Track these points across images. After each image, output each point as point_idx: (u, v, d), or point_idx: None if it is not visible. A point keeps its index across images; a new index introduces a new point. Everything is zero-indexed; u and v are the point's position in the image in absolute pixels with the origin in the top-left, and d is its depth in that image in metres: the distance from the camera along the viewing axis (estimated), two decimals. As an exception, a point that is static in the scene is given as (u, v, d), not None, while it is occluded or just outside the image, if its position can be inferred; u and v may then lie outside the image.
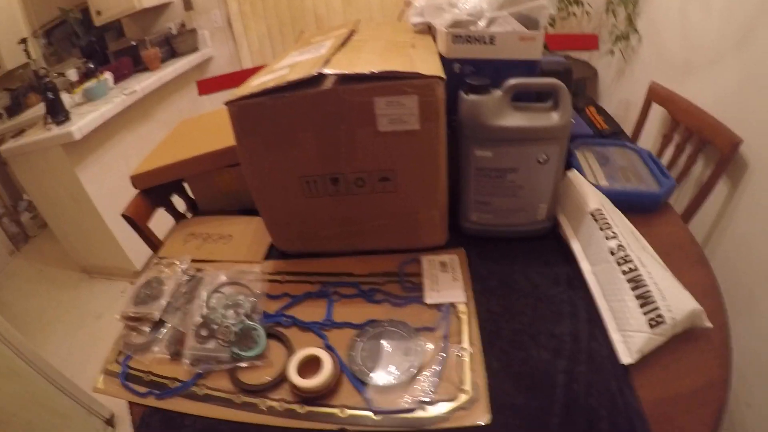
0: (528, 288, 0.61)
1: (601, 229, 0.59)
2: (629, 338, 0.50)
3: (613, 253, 0.56)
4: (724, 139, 0.96)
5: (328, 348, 0.55)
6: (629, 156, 0.82)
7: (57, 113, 1.63)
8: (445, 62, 0.61)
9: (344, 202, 0.62)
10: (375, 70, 0.50)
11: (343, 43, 0.67)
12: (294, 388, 0.51)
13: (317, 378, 0.50)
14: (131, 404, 0.56)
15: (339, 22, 2.39)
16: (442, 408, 0.48)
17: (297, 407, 0.51)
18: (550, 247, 0.67)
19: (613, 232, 0.58)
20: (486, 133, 0.58)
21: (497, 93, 0.57)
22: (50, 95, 1.58)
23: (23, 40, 1.96)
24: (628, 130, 1.27)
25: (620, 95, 1.69)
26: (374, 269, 0.66)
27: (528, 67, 0.62)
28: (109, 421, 1.45)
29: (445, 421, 0.47)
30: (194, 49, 2.41)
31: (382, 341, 0.55)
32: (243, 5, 2.34)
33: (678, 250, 0.65)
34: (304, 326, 0.60)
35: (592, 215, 0.61)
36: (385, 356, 0.53)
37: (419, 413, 0.48)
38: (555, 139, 0.58)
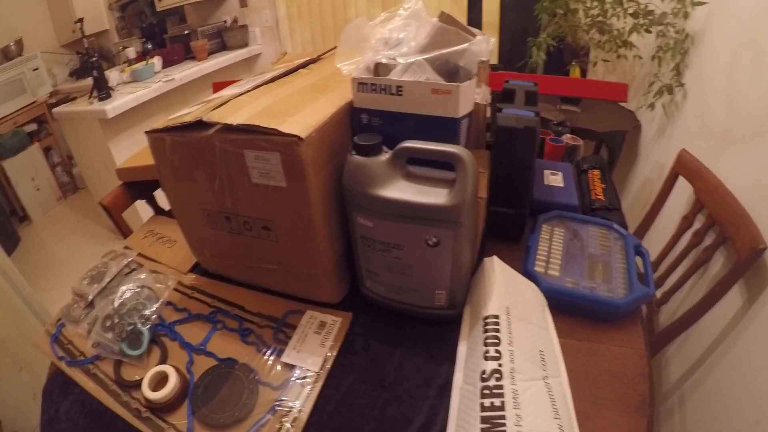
0: (394, 379, 0.56)
1: (485, 344, 0.49)
2: None
3: (483, 378, 0.46)
4: (745, 240, 0.77)
5: (187, 371, 0.61)
6: (610, 243, 0.68)
7: (100, 89, 1.83)
8: (355, 113, 0.58)
9: (239, 240, 0.64)
10: (242, 123, 0.51)
11: (275, 78, 0.69)
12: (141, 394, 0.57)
13: (160, 393, 0.55)
14: (51, 362, 0.67)
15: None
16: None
17: (143, 410, 0.57)
18: (446, 339, 0.59)
19: (497, 352, 0.47)
20: (366, 202, 0.53)
21: (383, 156, 0.52)
22: (95, 73, 1.77)
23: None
24: (650, 201, 1.13)
25: (656, 157, 1.46)
26: (263, 309, 0.69)
27: (445, 126, 0.54)
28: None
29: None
30: (244, 44, 2.58)
31: (227, 381, 0.59)
32: (290, 8, 2.46)
33: (618, 383, 0.52)
34: (182, 343, 0.66)
35: (485, 321, 0.52)
36: (222, 396, 0.57)
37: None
38: (447, 222, 0.51)
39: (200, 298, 0.73)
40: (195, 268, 0.80)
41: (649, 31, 1.40)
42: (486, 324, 0.51)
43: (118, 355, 0.65)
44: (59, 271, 2.16)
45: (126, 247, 0.88)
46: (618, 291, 0.60)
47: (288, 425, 0.52)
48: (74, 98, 2.10)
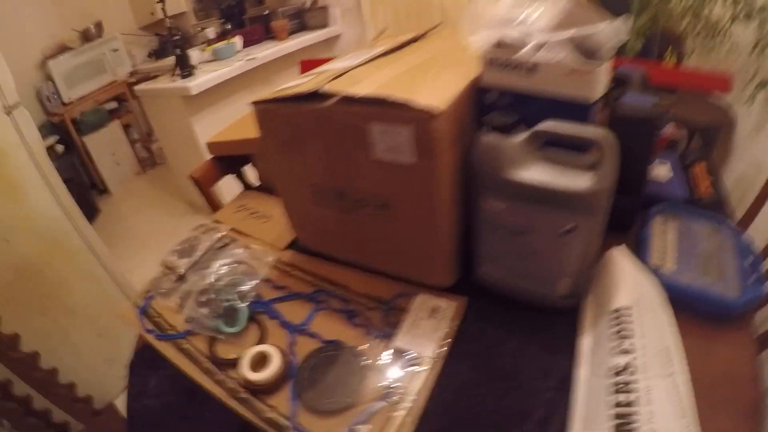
0: (511, 369, 0.53)
1: (618, 337, 0.47)
2: None
3: (616, 373, 0.44)
4: None
5: (290, 352, 0.58)
6: (721, 240, 0.63)
7: (183, 67, 1.86)
8: (481, 91, 0.54)
9: (349, 218, 0.62)
10: (370, 94, 0.48)
11: (385, 53, 0.67)
12: (239, 375, 0.56)
13: (261, 374, 0.53)
14: (140, 334, 0.67)
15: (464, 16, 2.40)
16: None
17: (240, 390, 0.55)
18: (563, 330, 0.55)
19: (631, 345, 0.45)
20: (499, 184, 0.50)
21: (522, 136, 0.48)
22: (178, 51, 1.80)
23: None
24: (746, 202, 1.03)
25: (754, 155, 1.37)
26: (370, 291, 0.66)
27: (578, 109, 0.50)
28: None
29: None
30: (323, 25, 2.58)
31: (335, 364, 0.56)
32: None
33: (727, 387, 0.48)
34: (282, 323, 0.63)
35: (616, 313, 0.48)
36: (329, 380, 0.54)
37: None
38: (584, 209, 0.47)
39: (300, 276, 0.71)
40: (292, 245, 0.78)
41: (749, 17, 1.28)
42: (618, 316, 0.48)
43: (212, 332, 0.63)
44: (136, 243, 2.26)
45: (216, 221, 0.88)
46: (732, 290, 0.55)
47: (402, 413, 0.49)
48: (155, 76, 2.17)
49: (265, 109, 0.59)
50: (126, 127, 2.86)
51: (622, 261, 0.55)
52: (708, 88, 1.45)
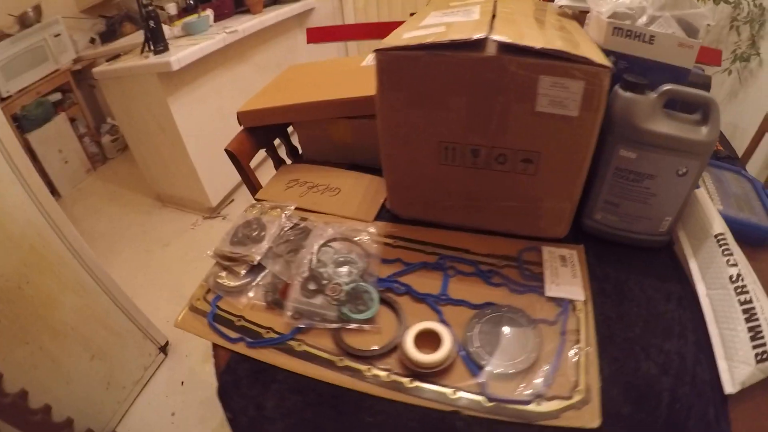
0: (641, 299, 0.61)
1: (723, 255, 0.58)
2: (735, 368, 0.50)
3: (732, 281, 0.56)
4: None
5: (444, 323, 0.55)
6: (743, 184, 0.79)
7: (157, 42, 1.69)
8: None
9: (478, 175, 0.63)
10: (545, 47, 0.51)
11: (493, 13, 0.66)
12: (407, 361, 0.51)
13: (437, 354, 0.50)
14: (216, 347, 0.56)
15: None
16: (554, 405, 0.48)
17: (405, 380, 0.50)
18: (663, 263, 0.66)
19: (735, 260, 0.57)
20: (635, 135, 0.58)
21: (652, 95, 0.57)
22: (152, 23, 1.65)
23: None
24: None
25: (728, 118, 1.64)
26: (493, 250, 0.66)
27: (675, 75, 0.61)
28: (163, 349, 1.54)
29: (554, 418, 0.47)
30: None
31: (501, 327, 0.55)
32: None
33: None
34: (419, 297, 0.59)
35: (716, 238, 0.60)
36: (504, 342, 0.53)
37: (532, 407, 0.48)
38: (699, 155, 0.58)
39: (410, 246, 0.68)
40: (378, 217, 0.75)
41: (728, 2, 1.55)
42: (720, 239, 0.60)
43: (336, 323, 0.56)
44: (102, 245, 2.05)
45: (260, 200, 0.81)
46: (764, 221, 0.70)
47: (582, 358, 0.52)
48: (117, 56, 1.94)
49: (396, 58, 0.55)
50: (71, 121, 2.56)
51: (704, 199, 0.67)
52: (700, 60, 1.69)
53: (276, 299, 0.60)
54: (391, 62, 0.57)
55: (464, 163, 0.62)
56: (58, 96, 2.47)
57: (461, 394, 0.49)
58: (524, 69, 0.52)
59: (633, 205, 0.63)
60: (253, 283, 0.63)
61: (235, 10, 2.28)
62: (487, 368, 0.50)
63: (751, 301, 0.52)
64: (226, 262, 0.66)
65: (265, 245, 0.67)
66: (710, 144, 0.57)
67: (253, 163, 0.95)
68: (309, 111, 0.85)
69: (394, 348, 0.53)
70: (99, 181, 2.67)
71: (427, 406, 0.48)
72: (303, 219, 0.75)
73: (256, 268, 0.65)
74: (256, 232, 0.70)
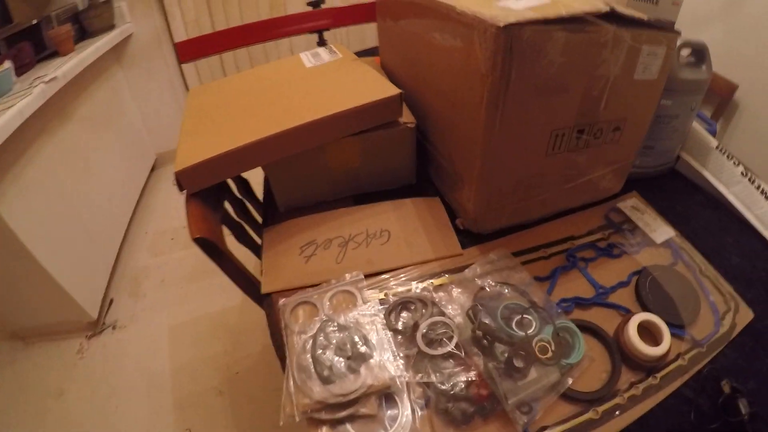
0: (694, 214, 0.74)
1: (728, 159, 0.77)
2: None
3: (744, 175, 0.75)
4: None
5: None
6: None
7: None
8: None
9: (573, 156, 0.61)
10: (642, 17, 0.53)
11: None
12: (633, 353, 0.50)
13: (661, 347, 0.50)
14: None
15: None
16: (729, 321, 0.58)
17: (650, 381, 0.50)
18: (674, 182, 0.81)
19: (737, 160, 0.76)
20: (673, 85, 0.67)
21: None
22: None
23: None
24: None
25: None
26: (587, 227, 0.68)
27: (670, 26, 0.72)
28: None
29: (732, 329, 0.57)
30: (110, 26, 1.90)
31: (666, 288, 0.59)
32: None
33: None
34: (586, 303, 0.57)
35: (718, 149, 0.78)
36: (676, 297, 0.58)
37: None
38: (702, 90, 0.72)
39: (527, 259, 0.63)
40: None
41: None
42: (720, 150, 0.78)
43: (560, 384, 0.48)
44: None
45: (278, 291, 0.58)
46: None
47: (713, 277, 0.64)
48: None
49: (539, 36, 0.46)
50: None
51: (696, 124, 0.83)
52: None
53: (469, 412, 0.45)
54: (530, 42, 0.46)
55: (568, 147, 0.59)
56: None
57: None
58: (635, 40, 0.53)
59: (663, 143, 0.74)
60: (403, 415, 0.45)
61: (37, 57, 1.56)
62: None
63: (761, 187, 0.72)
64: (343, 412, 0.44)
65: (356, 346, 0.49)
66: (708, 80, 0.71)
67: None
68: (297, 139, 0.61)
69: (625, 357, 0.51)
70: None
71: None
72: (380, 288, 0.57)
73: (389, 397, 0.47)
74: (351, 341, 0.50)
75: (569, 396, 0.47)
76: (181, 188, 0.60)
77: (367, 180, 0.71)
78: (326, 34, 1.33)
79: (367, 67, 0.73)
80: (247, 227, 0.76)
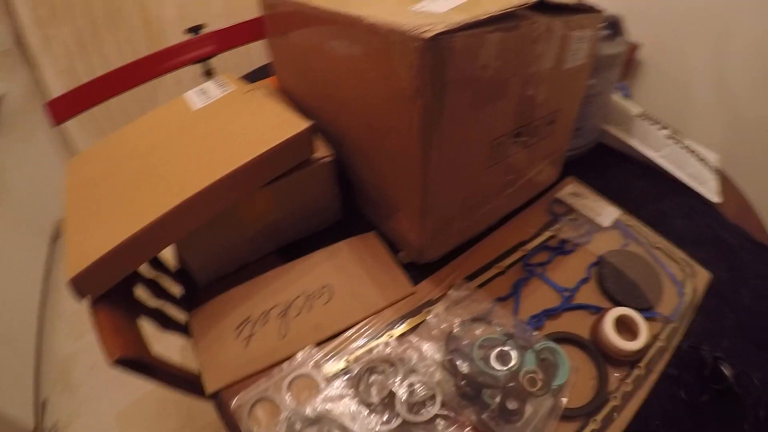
0: (631, 185, 0.75)
1: (652, 124, 0.78)
2: (709, 186, 0.74)
3: (670, 137, 0.77)
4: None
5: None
6: None
7: None
8: None
9: (513, 160, 0.57)
10: (576, 2, 0.50)
11: None
12: (609, 348, 0.50)
13: (637, 341, 0.49)
14: None
15: (172, 13, 1.90)
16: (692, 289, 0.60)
17: (637, 372, 0.50)
18: (603, 156, 0.81)
19: (661, 125, 0.78)
20: (596, 63, 0.64)
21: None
22: None
23: None
24: None
25: None
26: (533, 227, 0.65)
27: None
28: None
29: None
30: None
31: (627, 273, 0.59)
32: (39, 8, 1.60)
33: None
34: (557, 312, 0.55)
35: (640, 117, 0.80)
36: (639, 280, 0.59)
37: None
38: (620, 63, 0.72)
39: (486, 279, 0.59)
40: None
41: None
42: (642, 116, 0.81)
43: (553, 408, 0.46)
44: None
45: (219, 392, 0.49)
46: None
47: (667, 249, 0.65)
48: None
49: (471, 42, 0.39)
50: None
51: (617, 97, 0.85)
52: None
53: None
54: (464, 51, 0.39)
55: (507, 153, 0.55)
56: None
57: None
58: (566, 28, 0.49)
59: (590, 122, 0.73)
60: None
61: None
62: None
63: (687, 146, 0.75)
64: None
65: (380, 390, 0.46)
66: (625, 50, 0.70)
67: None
68: (202, 207, 0.50)
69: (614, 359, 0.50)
70: None
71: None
72: (332, 353, 0.50)
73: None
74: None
75: (567, 416, 0.46)
76: (81, 296, 0.48)
77: (289, 230, 0.62)
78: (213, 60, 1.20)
79: (264, 98, 0.63)
80: (168, 307, 0.65)
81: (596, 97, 0.69)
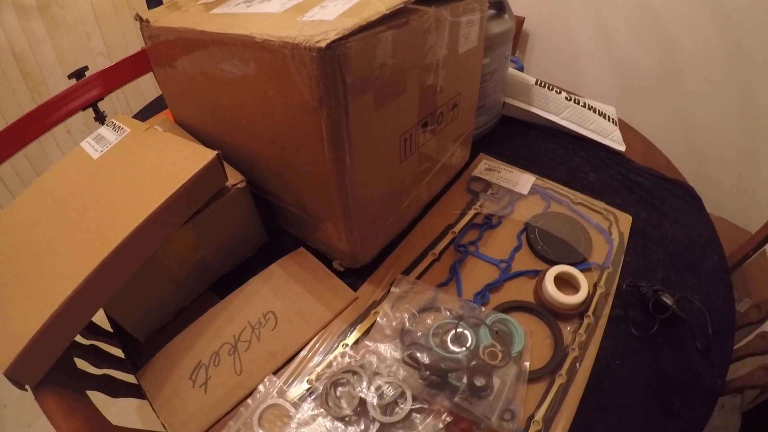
0: (537, 148, 0.81)
1: (549, 89, 0.84)
2: (612, 138, 0.81)
3: (568, 99, 0.83)
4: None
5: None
6: None
7: None
8: None
9: (423, 150, 0.59)
10: None
11: None
12: (550, 303, 0.53)
13: (577, 296, 0.53)
14: None
15: (51, 59, 1.70)
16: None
17: (587, 321, 0.53)
18: (508, 128, 0.86)
19: (558, 89, 0.84)
20: (486, 43, 0.67)
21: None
22: None
23: None
24: None
25: None
26: (455, 208, 0.68)
27: None
28: None
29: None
30: None
31: (554, 233, 0.63)
32: None
33: None
34: (497, 284, 0.57)
35: (537, 84, 0.85)
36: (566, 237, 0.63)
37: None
38: (510, 38, 0.75)
39: (424, 271, 0.60)
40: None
41: None
42: (539, 84, 0.85)
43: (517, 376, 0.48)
44: None
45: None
46: None
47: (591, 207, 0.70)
48: None
49: (366, 44, 0.40)
50: None
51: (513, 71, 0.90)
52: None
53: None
54: (360, 54, 0.40)
55: (417, 144, 0.56)
56: None
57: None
58: (454, 15, 0.50)
59: (490, 98, 0.77)
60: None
61: None
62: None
63: (586, 104, 0.81)
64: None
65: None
66: (513, 26, 0.74)
67: None
68: (123, 263, 0.46)
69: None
70: None
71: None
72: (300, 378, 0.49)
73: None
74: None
75: (533, 377, 0.48)
76: (21, 386, 0.43)
77: (218, 264, 0.59)
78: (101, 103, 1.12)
79: (164, 135, 0.60)
80: (114, 372, 0.60)
81: (493, 74, 0.73)
